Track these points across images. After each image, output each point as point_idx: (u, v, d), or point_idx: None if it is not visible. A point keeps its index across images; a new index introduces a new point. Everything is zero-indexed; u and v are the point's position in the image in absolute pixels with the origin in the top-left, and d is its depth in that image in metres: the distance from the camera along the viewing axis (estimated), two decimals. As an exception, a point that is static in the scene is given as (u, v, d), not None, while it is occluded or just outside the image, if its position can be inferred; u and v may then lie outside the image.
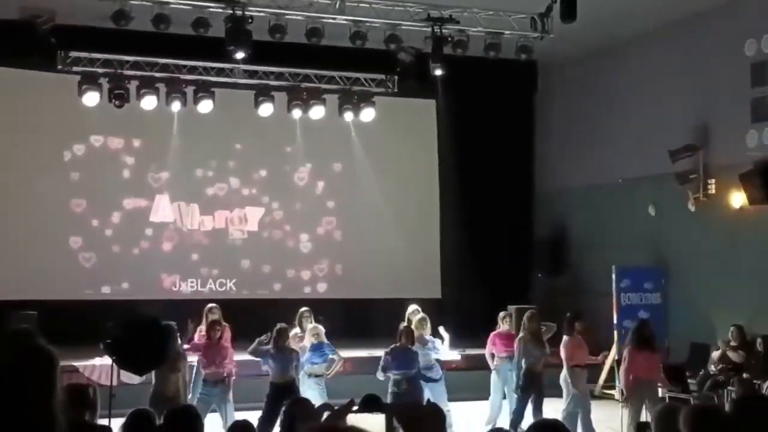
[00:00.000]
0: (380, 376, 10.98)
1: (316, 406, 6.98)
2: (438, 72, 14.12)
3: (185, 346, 10.83)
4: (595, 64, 17.36)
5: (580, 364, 11.82)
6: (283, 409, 5.72)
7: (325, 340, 11.45)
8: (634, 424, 10.84)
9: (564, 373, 11.71)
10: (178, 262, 17.06)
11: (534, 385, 11.64)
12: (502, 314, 13.11)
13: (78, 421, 5.04)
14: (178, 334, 10.37)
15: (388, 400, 10.38)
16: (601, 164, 17.09)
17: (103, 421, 7.01)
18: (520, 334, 11.95)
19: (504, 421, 11.84)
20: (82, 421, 5.28)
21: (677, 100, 15.38)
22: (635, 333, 11.61)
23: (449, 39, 14.11)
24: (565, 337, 11.82)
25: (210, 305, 11.97)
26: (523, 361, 11.73)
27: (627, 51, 16.74)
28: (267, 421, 9.83)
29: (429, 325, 12.29)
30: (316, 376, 11.16)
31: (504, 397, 12.43)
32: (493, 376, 12.58)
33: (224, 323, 11.34)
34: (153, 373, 9.99)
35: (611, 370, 14.89)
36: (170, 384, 10.10)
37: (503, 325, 12.80)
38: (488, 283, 17.34)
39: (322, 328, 11.50)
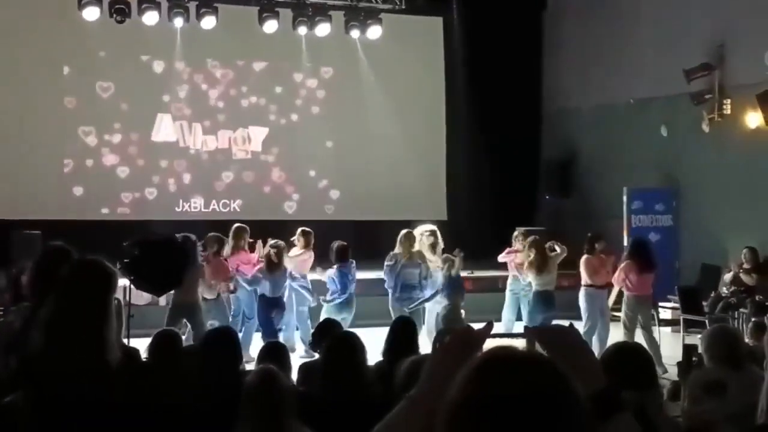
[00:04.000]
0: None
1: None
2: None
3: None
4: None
5: (595, 284, 11.66)
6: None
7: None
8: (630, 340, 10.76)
9: (581, 292, 11.60)
10: (180, 182, 16.81)
11: (546, 307, 11.49)
12: (515, 233, 12.97)
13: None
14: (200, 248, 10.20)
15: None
16: (612, 84, 16.72)
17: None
18: (528, 258, 11.71)
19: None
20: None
21: (693, 17, 14.95)
22: (638, 252, 11.47)
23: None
24: (584, 256, 11.69)
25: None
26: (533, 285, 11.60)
27: (642, -34, 16.27)
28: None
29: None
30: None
31: (519, 318, 12.31)
32: (508, 294, 12.45)
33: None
34: None
35: (620, 293, 14.79)
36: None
37: (516, 244, 12.61)
38: (495, 205, 17.12)
39: None
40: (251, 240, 11.61)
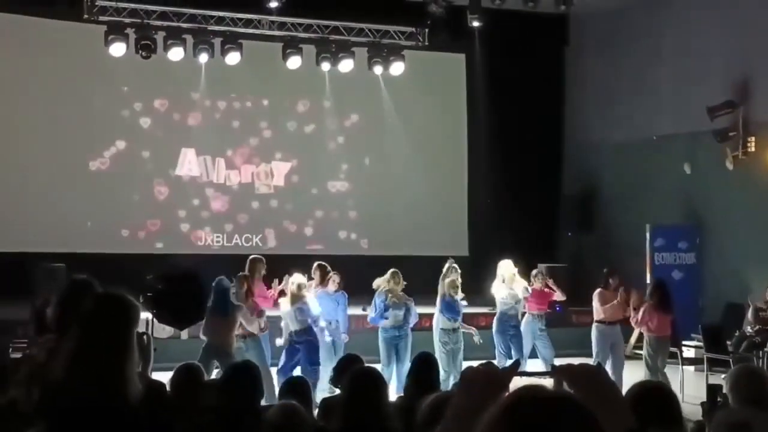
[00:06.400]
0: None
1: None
2: (475, 24, 13.82)
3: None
4: (630, 16, 16.87)
5: (606, 320, 11.61)
6: None
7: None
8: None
9: (593, 328, 11.66)
10: (203, 216, 16.89)
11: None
12: (534, 272, 12.97)
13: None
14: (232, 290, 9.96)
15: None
16: (635, 120, 16.70)
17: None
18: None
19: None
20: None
21: (716, 54, 14.93)
22: (659, 293, 11.45)
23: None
24: (597, 289, 11.74)
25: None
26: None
27: (664, 1, 16.24)
28: None
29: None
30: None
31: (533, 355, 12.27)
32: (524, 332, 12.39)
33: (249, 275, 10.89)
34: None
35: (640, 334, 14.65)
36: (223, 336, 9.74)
37: (535, 283, 12.63)
38: (516, 240, 17.00)
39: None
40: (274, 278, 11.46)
